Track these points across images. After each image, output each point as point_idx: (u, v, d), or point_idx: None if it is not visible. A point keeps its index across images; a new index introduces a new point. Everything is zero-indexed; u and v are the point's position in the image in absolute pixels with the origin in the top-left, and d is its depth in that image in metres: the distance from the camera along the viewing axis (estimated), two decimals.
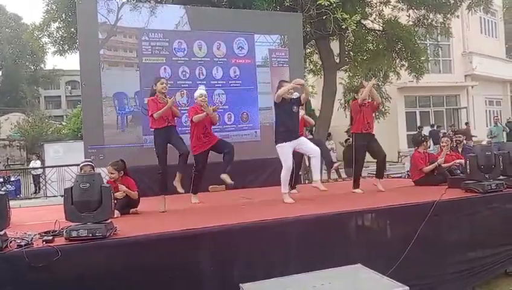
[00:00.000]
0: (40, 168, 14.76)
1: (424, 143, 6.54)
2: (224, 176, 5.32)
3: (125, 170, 4.98)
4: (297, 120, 5.35)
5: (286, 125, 5.14)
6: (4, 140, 26.25)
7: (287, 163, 5.09)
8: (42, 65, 35.95)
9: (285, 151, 5.10)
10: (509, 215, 5.03)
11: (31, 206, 7.50)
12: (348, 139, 11.64)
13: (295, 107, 5.26)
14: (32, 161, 16.44)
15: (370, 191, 5.82)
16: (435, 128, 15.89)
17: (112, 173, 4.87)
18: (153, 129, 5.08)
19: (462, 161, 6.21)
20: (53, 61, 77.31)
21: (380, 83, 14.70)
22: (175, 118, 5.18)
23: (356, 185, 5.91)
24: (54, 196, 11.79)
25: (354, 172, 6.02)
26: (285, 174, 5.12)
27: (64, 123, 31.17)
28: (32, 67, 35.95)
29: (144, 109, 6.43)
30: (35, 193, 14.38)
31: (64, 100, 43.53)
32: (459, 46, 20.01)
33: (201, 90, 5.56)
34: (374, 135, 5.90)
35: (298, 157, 6.25)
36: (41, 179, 14.46)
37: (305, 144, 5.21)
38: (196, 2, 8.43)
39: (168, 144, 5.05)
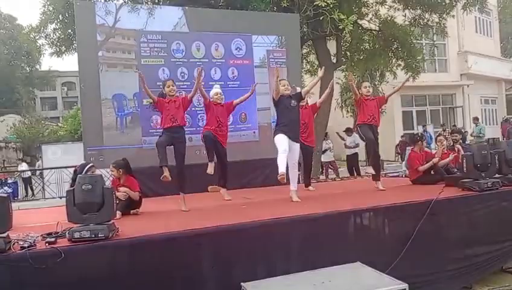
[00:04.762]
0: (36, 170, 14.74)
1: (420, 142, 6.57)
2: (224, 191, 5.57)
3: (129, 170, 5.02)
4: (295, 114, 5.40)
5: (283, 121, 5.24)
6: (0, 142, 26.15)
7: (282, 146, 5.09)
8: (38, 66, 35.81)
9: (280, 138, 5.16)
10: (506, 213, 5.09)
11: (30, 208, 7.50)
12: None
13: (293, 102, 5.33)
14: (19, 165, 16.41)
15: (369, 190, 5.88)
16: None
17: (112, 171, 4.98)
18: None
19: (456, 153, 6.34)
20: (48, 62, 76.97)
21: (376, 83, 14.81)
22: (185, 118, 5.23)
23: (377, 178, 5.88)
24: (53, 198, 11.78)
25: (372, 165, 6.01)
26: (281, 158, 5.10)
27: (60, 124, 31.13)
28: (28, 69, 35.85)
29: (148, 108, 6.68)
30: (26, 196, 14.28)
31: (61, 101, 43.45)
32: (454, 45, 20.13)
33: (216, 89, 5.74)
34: (377, 127, 5.93)
35: (308, 156, 6.32)
36: (33, 181, 14.45)
37: (293, 152, 5.26)
38: (194, 4, 8.46)
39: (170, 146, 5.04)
